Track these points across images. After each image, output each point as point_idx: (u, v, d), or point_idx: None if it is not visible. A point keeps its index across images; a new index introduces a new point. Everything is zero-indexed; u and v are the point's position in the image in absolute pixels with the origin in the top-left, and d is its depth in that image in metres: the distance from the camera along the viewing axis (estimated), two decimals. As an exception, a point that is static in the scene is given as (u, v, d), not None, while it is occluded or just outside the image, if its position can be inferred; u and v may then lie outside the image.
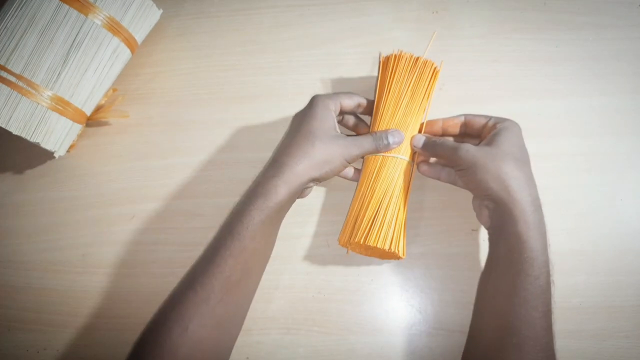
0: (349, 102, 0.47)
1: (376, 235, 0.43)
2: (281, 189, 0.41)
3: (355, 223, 0.45)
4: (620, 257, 0.49)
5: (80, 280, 0.51)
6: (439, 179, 0.48)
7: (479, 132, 0.47)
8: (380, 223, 0.44)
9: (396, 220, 0.44)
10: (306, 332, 0.48)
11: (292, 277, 0.50)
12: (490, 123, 0.45)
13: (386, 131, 0.45)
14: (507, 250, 0.39)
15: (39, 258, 0.52)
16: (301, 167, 0.42)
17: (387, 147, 0.45)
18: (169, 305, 0.39)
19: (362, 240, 0.43)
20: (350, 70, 0.55)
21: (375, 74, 0.55)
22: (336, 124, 0.46)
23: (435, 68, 0.49)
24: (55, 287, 0.52)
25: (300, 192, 0.44)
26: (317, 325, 0.49)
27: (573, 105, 0.53)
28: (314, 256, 0.50)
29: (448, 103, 0.53)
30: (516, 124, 0.45)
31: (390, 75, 0.48)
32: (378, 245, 0.43)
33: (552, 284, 0.39)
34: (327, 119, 0.45)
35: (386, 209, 0.44)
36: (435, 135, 0.48)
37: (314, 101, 0.46)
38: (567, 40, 0.55)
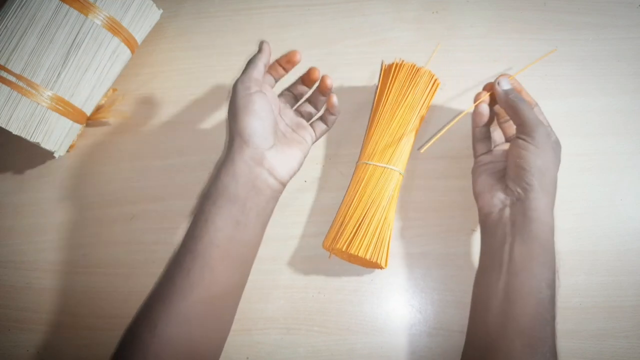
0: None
1: (359, 243, 0.43)
2: (233, 154, 0.41)
3: (339, 229, 0.45)
4: (620, 257, 0.49)
5: (80, 280, 0.51)
6: (482, 125, 0.46)
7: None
8: (365, 232, 0.44)
9: (381, 230, 0.44)
10: (306, 332, 0.48)
11: (292, 277, 0.50)
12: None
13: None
14: (526, 251, 0.39)
15: (39, 258, 0.52)
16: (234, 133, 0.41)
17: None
18: (142, 306, 0.39)
19: (344, 247, 0.44)
20: (350, 70, 0.55)
21: (375, 74, 0.55)
22: (280, 113, 0.47)
23: (435, 80, 0.48)
24: (55, 287, 0.51)
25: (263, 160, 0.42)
26: (317, 325, 0.49)
27: (573, 105, 0.53)
28: (314, 256, 0.50)
29: (448, 103, 0.53)
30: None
31: (390, 83, 0.48)
32: (359, 254, 0.43)
33: (557, 289, 0.40)
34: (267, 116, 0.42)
35: (372, 218, 0.44)
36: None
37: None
38: (567, 40, 0.55)
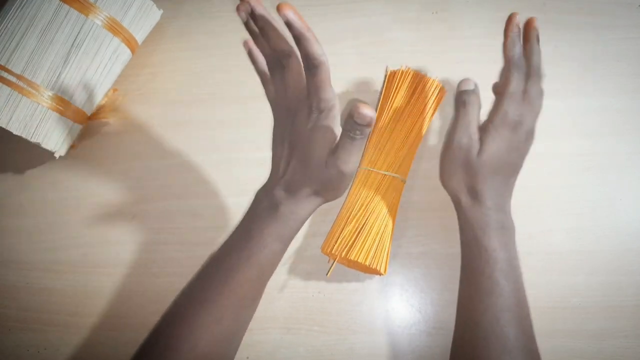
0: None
1: (358, 249, 0.44)
2: (299, 217, 0.39)
3: (339, 234, 0.45)
4: (620, 257, 0.49)
5: (80, 280, 0.51)
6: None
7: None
8: (365, 238, 0.44)
9: (381, 237, 0.44)
10: (306, 331, 0.48)
11: (292, 277, 0.50)
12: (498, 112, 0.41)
13: (356, 108, 0.32)
14: (467, 253, 0.41)
15: (39, 258, 0.52)
16: (317, 196, 0.39)
17: (355, 128, 0.33)
18: (179, 319, 0.38)
19: (343, 253, 0.44)
20: (350, 70, 0.55)
21: (376, 74, 0.55)
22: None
23: (441, 89, 0.48)
24: (55, 287, 0.52)
25: None
26: (317, 325, 0.49)
27: (573, 105, 0.53)
28: (314, 256, 0.50)
29: (448, 104, 0.53)
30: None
31: (395, 90, 0.48)
32: (359, 260, 0.43)
33: (520, 291, 0.39)
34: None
35: (372, 224, 0.44)
36: None
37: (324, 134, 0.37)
38: (566, 40, 0.55)
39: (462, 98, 0.42)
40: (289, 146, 0.39)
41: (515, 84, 0.41)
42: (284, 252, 0.40)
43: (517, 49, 0.42)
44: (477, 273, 0.39)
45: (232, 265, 0.38)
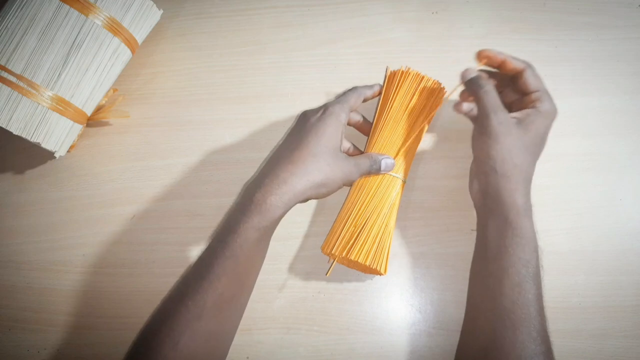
0: (358, 101, 0.47)
1: (359, 249, 0.44)
2: (279, 208, 0.40)
3: (339, 234, 0.45)
4: (619, 257, 0.49)
5: (80, 280, 0.51)
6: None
7: (513, 75, 0.45)
8: (365, 238, 0.44)
9: (381, 237, 0.44)
10: (306, 331, 0.49)
11: (292, 276, 0.50)
12: (534, 96, 0.43)
13: (381, 156, 0.45)
14: (497, 235, 0.40)
15: (39, 258, 0.52)
16: (301, 187, 0.40)
17: (378, 172, 0.45)
18: (159, 319, 0.39)
19: (344, 253, 0.44)
20: (350, 70, 0.55)
21: (376, 74, 0.55)
22: (343, 139, 0.45)
23: (442, 89, 0.48)
24: (55, 287, 0.52)
25: None
26: (317, 325, 0.49)
27: (573, 105, 0.53)
28: (314, 256, 0.50)
29: (448, 104, 0.53)
30: (555, 110, 0.44)
31: (395, 90, 0.48)
32: (359, 260, 0.43)
33: (541, 269, 0.40)
34: (335, 136, 0.43)
35: (372, 224, 0.44)
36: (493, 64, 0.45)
37: (327, 112, 0.44)
38: (567, 40, 0.55)
39: (476, 84, 0.43)
40: (288, 141, 0.44)
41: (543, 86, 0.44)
42: (263, 243, 0.41)
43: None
44: (507, 254, 0.39)
45: (209, 258, 0.39)
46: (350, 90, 0.47)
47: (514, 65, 0.43)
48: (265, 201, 0.39)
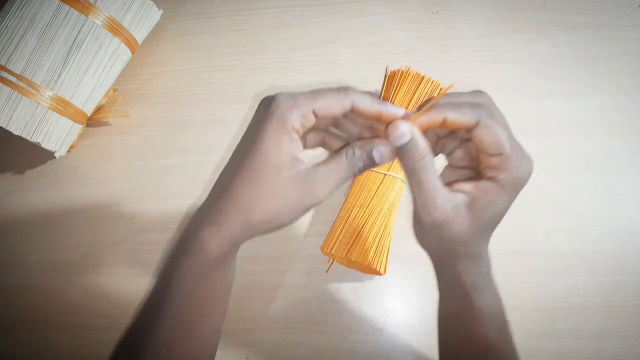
0: (329, 107, 0.29)
1: (358, 249, 0.44)
2: (216, 248, 0.29)
3: (339, 234, 0.45)
4: (619, 257, 0.49)
5: (80, 280, 0.51)
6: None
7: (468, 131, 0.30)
8: (365, 238, 0.44)
9: (381, 237, 0.45)
10: (306, 331, 0.48)
11: (292, 277, 0.50)
12: (494, 162, 0.29)
13: (368, 145, 0.30)
14: (456, 306, 0.36)
15: (39, 258, 0.52)
16: (242, 224, 0.29)
17: (369, 167, 0.30)
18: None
19: (344, 253, 0.44)
20: (350, 70, 0.55)
21: (375, 74, 0.55)
22: (299, 149, 0.29)
23: (441, 89, 0.48)
24: (55, 287, 0.52)
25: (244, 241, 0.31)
26: (317, 325, 0.49)
27: (573, 105, 0.53)
28: (314, 256, 0.50)
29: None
30: (528, 171, 0.30)
31: (395, 90, 0.48)
32: (359, 260, 0.43)
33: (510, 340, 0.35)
34: (281, 146, 0.28)
35: (372, 224, 0.45)
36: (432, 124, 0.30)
37: (269, 110, 0.29)
38: (567, 40, 0.55)
39: (408, 165, 0.30)
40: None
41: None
42: (211, 281, 0.32)
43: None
44: (470, 332, 0.34)
45: (152, 299, 0.33)
46: (330, 89, 0.30)
47: (460, 121, 0.29)
48: (198, 237, 0.29)
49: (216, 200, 0.30)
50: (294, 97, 0.28)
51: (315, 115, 0.29)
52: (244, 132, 0.31)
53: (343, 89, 0.29)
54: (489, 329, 0.34)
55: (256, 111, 0.30)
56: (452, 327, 0.37)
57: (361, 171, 0.30)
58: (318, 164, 0.30)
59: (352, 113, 0.30)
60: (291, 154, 0.29)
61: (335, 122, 0.32)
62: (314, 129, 0.32)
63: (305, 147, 0.31)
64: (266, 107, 0.29)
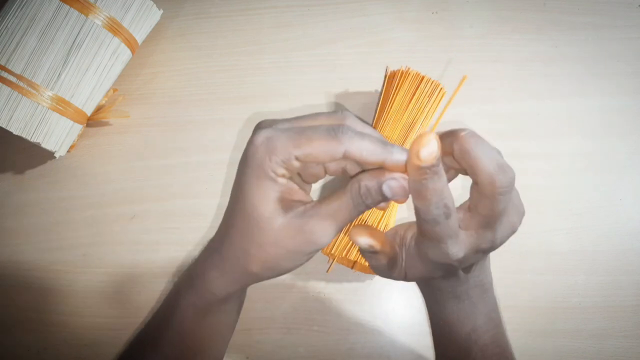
0: (315, 156, 0.24)
1: (359, 249, 0.43)
2: (222, 288, 0.29)
3: (340, 235, 0.45)
4: (619, 257, 0.49)
5: (80, 280, 0.51)
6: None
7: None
8: None
9: None
10: (306, 331, 0.48)
11: (292, 277, 0.50)
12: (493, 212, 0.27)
13: (377, 179, 0.24)
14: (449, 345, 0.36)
15: (39, 258, 0.52)
16: (244, 273, 0.28)
17: (378, 204, 0.26)
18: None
19: (344, 253, 0.44)
20: (350, 70, 0.55)
21: (376, 74, 0.55)
22: (292, 190, 0.27)
23: (441, 89, 0.48)
24: (55, 287, 0.52)
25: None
26: (317, 325, 0.49)
27: (573, 105, 0.53)
28: (314, 256, 0.50)
29: (448, 103, 0.53)
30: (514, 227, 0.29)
31: (395, 90, 0.48)
32: (359, 260, 0.44)
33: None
34: (265, 194, 0.25)
35: (372, 224, 0.44)
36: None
37: (247, 153, 0.25)
38: (567, 40, 0.55)
39: (429, 216, 0.25)
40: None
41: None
42: (216, 318, 0.32)
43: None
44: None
45: (154, 330, 0.33)
46: (318, 130, 0.24)
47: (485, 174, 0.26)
48: (204, 275, 0.29)
49: (219, 246, 0.29)
50: (272, 139, 0.24)
51: (302, 158, 0.24)
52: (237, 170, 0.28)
53: (334, 131, 0.24)
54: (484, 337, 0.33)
55: (245, 148, 0.26)
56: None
57: (369, 208, 0.26)
58: (320, 202, 0.26)
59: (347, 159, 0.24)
60: (281, 200, 0.26)
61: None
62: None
63: (326, 173, 0.27)
64: (247, 149, 0.26)
